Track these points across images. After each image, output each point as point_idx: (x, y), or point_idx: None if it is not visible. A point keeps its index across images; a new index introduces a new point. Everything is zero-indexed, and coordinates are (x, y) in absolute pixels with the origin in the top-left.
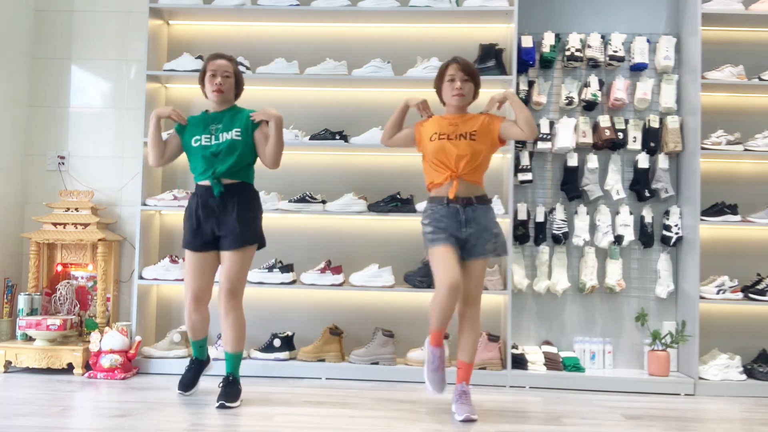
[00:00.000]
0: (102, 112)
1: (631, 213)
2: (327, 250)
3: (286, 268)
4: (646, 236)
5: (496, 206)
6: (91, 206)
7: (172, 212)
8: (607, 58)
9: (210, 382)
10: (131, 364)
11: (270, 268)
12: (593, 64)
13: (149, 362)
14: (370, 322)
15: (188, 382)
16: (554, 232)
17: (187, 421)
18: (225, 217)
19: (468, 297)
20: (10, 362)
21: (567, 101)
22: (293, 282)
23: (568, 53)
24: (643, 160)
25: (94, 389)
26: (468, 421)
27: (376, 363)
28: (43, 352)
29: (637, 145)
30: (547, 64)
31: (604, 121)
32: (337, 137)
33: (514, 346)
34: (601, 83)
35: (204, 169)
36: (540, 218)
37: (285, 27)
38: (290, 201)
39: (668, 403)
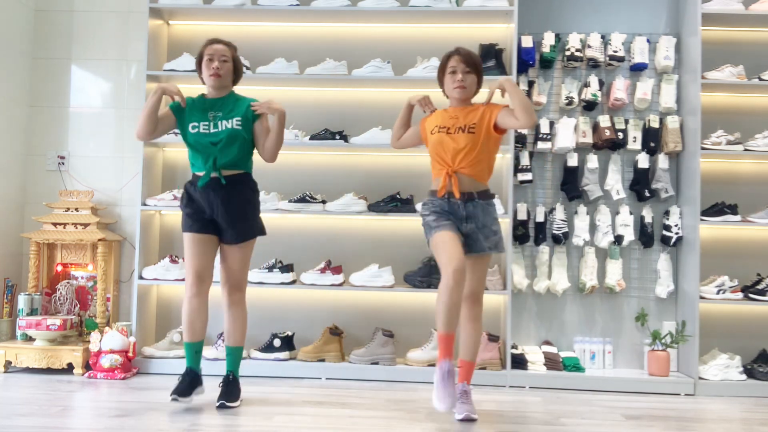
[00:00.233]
0: (102, 112)
1: (631, 213)
2: (327, 250)
3: (286, 268)
4: (646, 236)
5: (496, 206)
6: (91, 206)
7: (172, 212)
8: (607, 58)
9: (210, 382)
10: (131, 364)
11: (270, 268)
12: (593, 64)
13: (149, 362)
14: (370, 322)
15: (182, 391)
16: (554, 232)
17: (187, 421)
18: (225, 207)
19: (470, 294)
20: (10, 362)
21: (567, 101)
22: (293, 282)
23: (568, 53)
24: (643, 160)
25: (94, 389)
26: (468, 420)
27: (376, 363)
28: (43, 352)
29: (637, 145)
30: (547, 64)
31: (604, 121)
32: (337, 137)
33: (514, 346)
34: (601, 83)
35: (204, 161)
36: (540, 218)
37: (285, 27)
38: (290, 201)
39: (668, 403)
